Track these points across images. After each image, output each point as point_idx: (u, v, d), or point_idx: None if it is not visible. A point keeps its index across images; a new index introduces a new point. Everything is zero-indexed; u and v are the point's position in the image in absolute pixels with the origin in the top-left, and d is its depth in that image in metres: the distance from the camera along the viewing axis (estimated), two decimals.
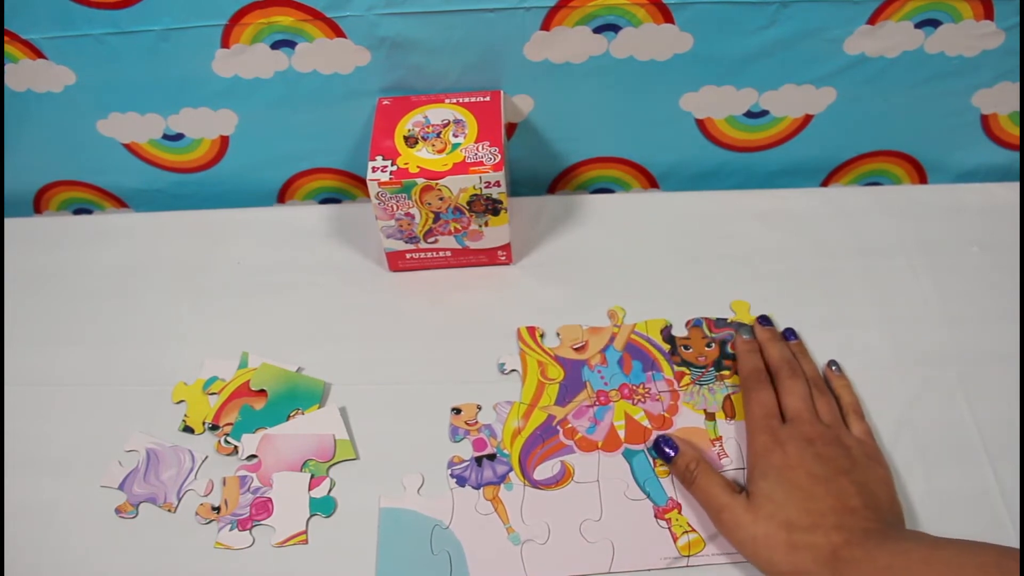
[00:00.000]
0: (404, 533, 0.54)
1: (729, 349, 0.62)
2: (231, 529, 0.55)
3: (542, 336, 0.64)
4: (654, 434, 0.57)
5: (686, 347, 0.62)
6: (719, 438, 0.57)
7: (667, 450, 0.56)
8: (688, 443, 0.56)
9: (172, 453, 0.59)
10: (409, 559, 0.53)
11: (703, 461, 0.54)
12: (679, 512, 0.54)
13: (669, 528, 0.53)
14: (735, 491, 0.52)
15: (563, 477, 0.56)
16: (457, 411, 0.60)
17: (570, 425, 0.58)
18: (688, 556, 0.52)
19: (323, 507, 0.56)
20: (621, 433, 0.58)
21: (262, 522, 0.55)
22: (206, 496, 0.57)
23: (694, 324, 0.63)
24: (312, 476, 0.57)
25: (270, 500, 0.56)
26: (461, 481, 0.56)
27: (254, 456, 0.58)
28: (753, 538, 0.49)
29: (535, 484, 0.56)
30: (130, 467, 0.58)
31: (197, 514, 0.55)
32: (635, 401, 0.59)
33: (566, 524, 0.54)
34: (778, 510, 0.49)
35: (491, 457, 0.57)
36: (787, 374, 0.57)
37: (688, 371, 0.61)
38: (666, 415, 0.59)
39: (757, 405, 0.56)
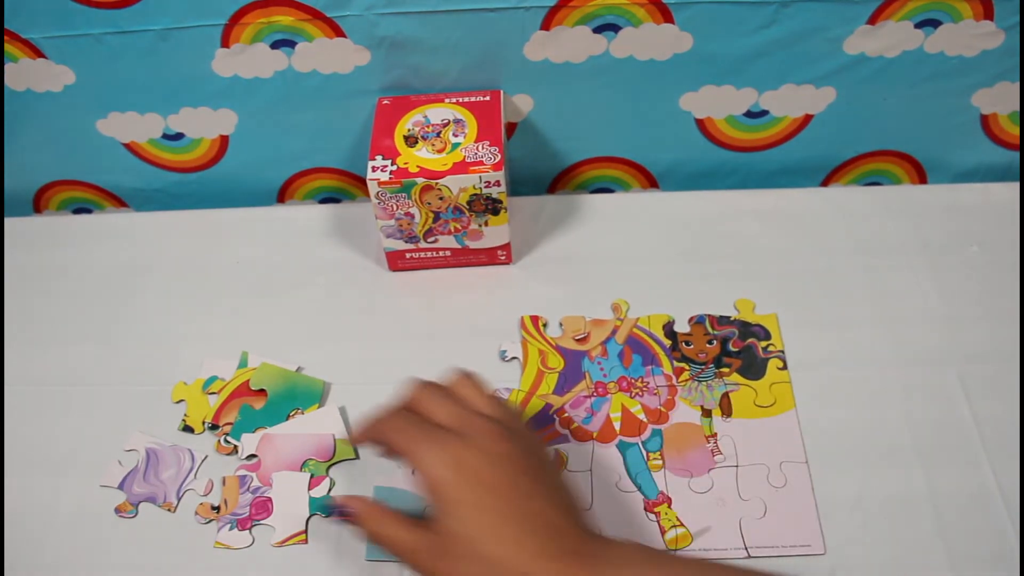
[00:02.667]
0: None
1: (730, 347, 0.62)
2: (231, 528, 0.55)
3: (545, 326, 0.64)
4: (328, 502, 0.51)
5: (687, 343, 0.62)
6: (714, 435, 0.57)
7: (339, 512, 0.48)
8: (362, 503, 0.48)
9: (172, 453, 0.59)
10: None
11: (384, 514, 0.46)
12: (669, 506, 0.54)
13: (658, 521, 0.54)
14: (423, 534, 0.44)
15: (556, 465, 0.56)
16: None
17: (567, 414, 0.59)
18: (675, 550, 0.52)
19: (323, 507, 0.56)
20: (616, 425, 0.58)
21: (262, 521, 0.55)
22: (206, 496, 0.57)
23: (697, 320, 0.63)
24: (312, 476, 0.57)
25: (270, 500, 0.56)
26: None
27: (254, 456, 0.58)
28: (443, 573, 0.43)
29: None
30: (130, 467, 0.58)
31: (197, 513, 0.56)
32: (633, 394, 0.60)
33: None
34: (470, 548, 0.42)
35: None
36: (415, 393, 0.49)
37: (688, 367, 0.61)
38: (662, 409, 0.59)
39: (399, 432, 0.46)
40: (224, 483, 0.57)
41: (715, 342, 0.62)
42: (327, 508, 0.54)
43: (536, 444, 0.47)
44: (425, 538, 0.44)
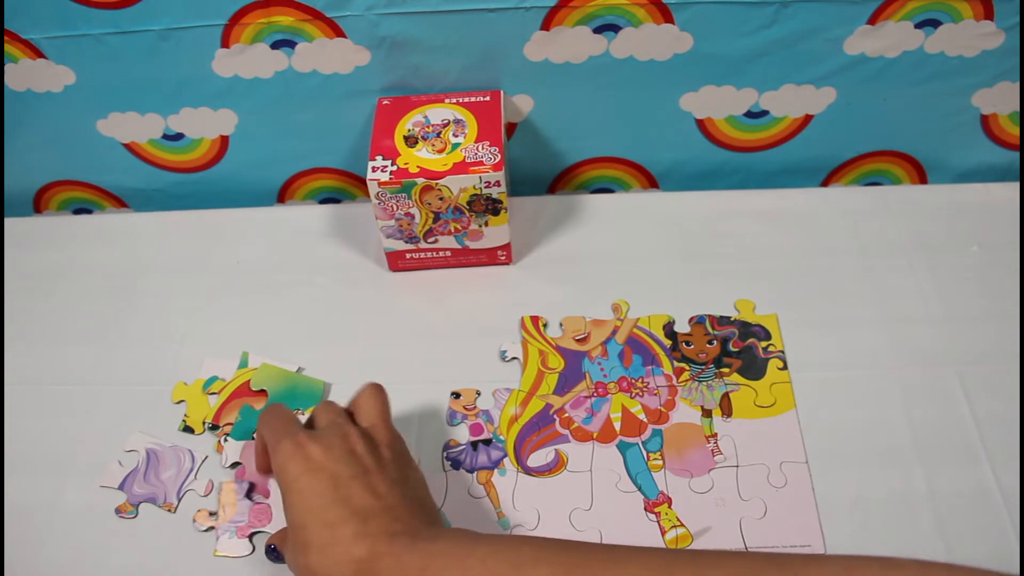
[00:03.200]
0: None
1: (731, 347, 0.62)
2: (230, 537, 0.55)
3: (545, 326, 0.64)
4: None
5: (687, 343, 0.62)
6: (714, 435, 0.57)
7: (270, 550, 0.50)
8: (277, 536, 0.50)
9: (172, 453, 0.59)
10: None
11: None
12: (669, 506, 0.54)
13: (658, 522, 0.54)
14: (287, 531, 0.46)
15: (556, 465, 0.56)
16: (456, 395, 0.60)
17: (567, 415, 0.59)
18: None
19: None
20: (617, 425, 0.58)
21: (262, 529, 0.55)
22: (206, 496, 0.57)
23: (697, 321, 0.63)
24: None
25: (269, 507, 0.56)
26: (456, 464, 0.57)
27: (238, 463, 0.58)
28: (293, 560, 0.44)
29: (528, 471, 0.56)
30: (130, 467, 0.58)
31: (195, 520, 0.55)
32: (633, 395, 0.60)
33: (556, 512, 0.54)
34: (298, 535, 0.43)
35: (487, 442, 0.58)
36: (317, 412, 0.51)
37: (688, 367, 0.61)
38: (663, 410, 0.59)
39: (266, 424, 0.49)
40: (221, 490, 0.57)
41: (715, 342, 0.62)
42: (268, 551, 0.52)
43: (396, 456, 0.48)
44: (285, 534, 0.46)
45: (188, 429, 0.60)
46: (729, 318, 0.63)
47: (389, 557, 0.42)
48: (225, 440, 0.59)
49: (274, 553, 0.50)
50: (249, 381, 0.62)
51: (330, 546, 0.42)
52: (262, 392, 0.61)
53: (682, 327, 0.63)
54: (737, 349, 0.62)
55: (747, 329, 0.63)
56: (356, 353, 0.63)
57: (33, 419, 0.61)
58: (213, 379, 0.62)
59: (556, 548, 0.42)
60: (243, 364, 0.63)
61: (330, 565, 0.42)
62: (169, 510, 0.56)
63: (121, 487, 0.57)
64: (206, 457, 0.59)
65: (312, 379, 0.62)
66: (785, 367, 0.60)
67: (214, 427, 0.60)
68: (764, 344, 0.62)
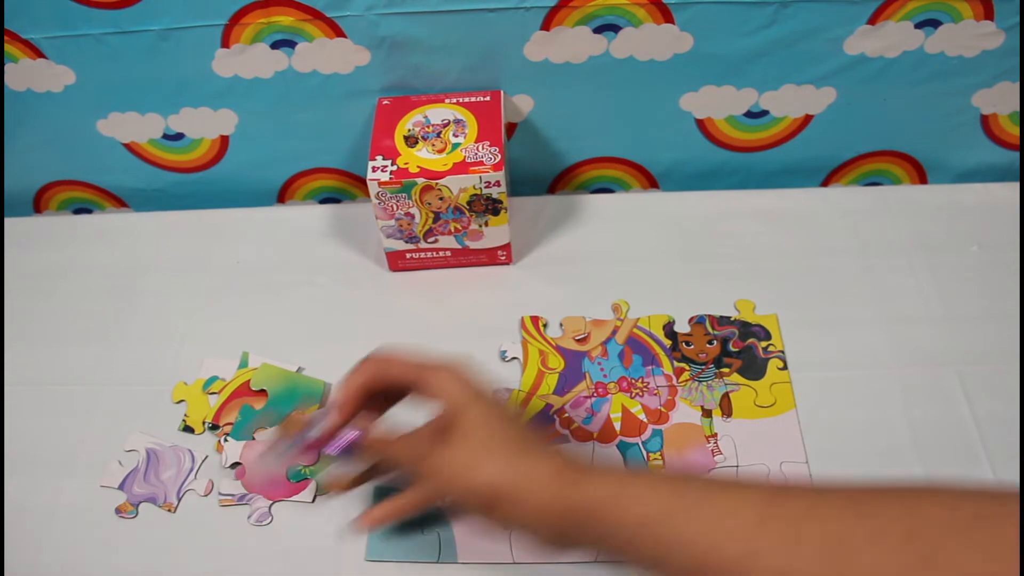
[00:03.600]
0: None
1: (731, 347, 0.62)
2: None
3: (545, 326, 0.64)
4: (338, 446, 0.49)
5: (687, 343, 0.62)
6: (714, 435, 0.57)
7: (348, 445, 0.49)
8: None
9: (172, 453, 0.59)
10: (400, 537, 0.54)
11: (383, 435, 0.49)
12: None
13: None
14: (429, 438, 0.46)
15: None
16: None
17: (567, 415, 0.59)
18: None
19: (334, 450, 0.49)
20: (617, 425, 0.58)
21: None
22: (206, 496, 0.57)
23: (697, 321, 0.63)
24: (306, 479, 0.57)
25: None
26: None
27: (238, 463, 0.58)
28: (463, 469, 0.43)
29: None
30: (130, 467, 0.58)
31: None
32: (633, 395, 0.60)
33: None
34: (486, 435, 0.44)
35: None
36: None
37: (688, 367, 0.61)
38: (663, 410, 0.59)
39: (403, 354, 0.49)
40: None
41: (715, 342, 0.62)
42: (335, 450, 0.49)
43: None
44: (436, 444, 0.45)
45: (188, 429, 0.60)
46: (729, 318, 0.63)
47: (590, 468, 0.42)
48: (225, 440, 0.59)
49: (348, 450, 0.48)
50: (249, 381, 0.62)
51: (534, 446, 0.43)
52: (262, 392, 0.61)
53: (682, 327, 0.63)
54: (737, 349, 0.62)
55: (747, 329, 0.63)
56: (356, 353, 0.63)
57: (33, 419, 0.61)
58: (213, 379, 0.62)
59: (718, 482, 0.41)
60: (243, 364, 0.63)
61: (532, 462, 0.42)
62: (169, 510, 0.56)
63: (121, 487, 0.57)
64: (206, 457, 0.59)
65: (312, 379, 0.62)
66: (785, 367, 0.60)
67: (214, 427, 0.60)
68: (764, 344, 0.62)
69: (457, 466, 0.44)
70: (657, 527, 0.38)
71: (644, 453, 0.57)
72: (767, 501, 0.37)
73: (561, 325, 0.64)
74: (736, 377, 0.60)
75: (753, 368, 0.61)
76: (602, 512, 0.40)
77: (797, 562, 0.35)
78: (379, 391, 0.49)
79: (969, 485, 0.35)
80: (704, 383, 0.60)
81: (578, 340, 0.63)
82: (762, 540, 0.36)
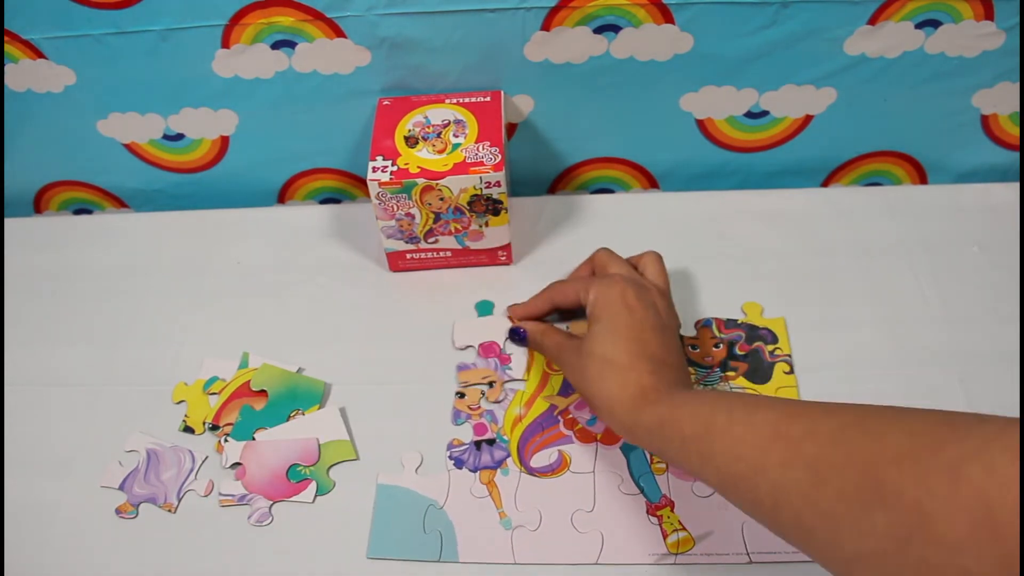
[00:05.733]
0: (399, 510, 0.55)
1: (737, 351, 0.61)
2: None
3: None
4: (509, 329, 0.62)
5: (693, 346, 0.62)
6: None
7: (519, 332, 0.62)
8: (532, 323, 0.62)
9: (172, 453, 0.59)
10: (401, 535, 0.54)
11: (548, 326, 0.61)
12: (671, 510, 0.54)
13: (660, 525, 0.53)
14: (572, 339, 0.57)
15: (559, 466, 0.56)
16: (461, 395, 0.60)
17: (571, 416, 0.59)
18: (676, 554, 0.52)
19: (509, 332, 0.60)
20: None
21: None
22: (206, 496, 0.57)
23: (703, 324, 0.63)
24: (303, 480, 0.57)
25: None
26: (459, 463, 0.57)
27: (238, 463, 0.58)
28: (575, 369, 0.54)
29: (531, 471, 0.56)
30: (130, 467, 0.58)
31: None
32: None
33: (558, 513, 0.54)
34: (601, 348, 0.53)
35: (490, 442, 0.58)
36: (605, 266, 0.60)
37: (694, 370, 0.61)
38: None
39: (596, 268, 0.61)
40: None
41: (721, 345, 0.62)
42: (511, 333, 0.62)
43: (673, 318, 0.57)
44: (574, 341, 0.56)
45: (188, 429, 0.60)
46: (736, 321, 0.63)
47: (665, 393, 0.50)
48: (225, 440, 0.59)
49: (519, 336, 0.61)
50: (249, 381, 0.62)
51: (626, 369, 0.51)
52: (262, 392, 0.61)
53: (688, 330, 0.63)
54: (743, 352, 0.61)
55: (754, 332, 0.62)
56: (356, 353, 0.63)
57: (33, 419, 0.61)
58: (213, 379, 0.62)
59: (782, 400, 0.46)
60: (243, 364, 0.63)
61: (619, 382, 0.51)
62: (169, 510, 0.56)
63: (121, 487, 0.57)
64: (206, 457, 0.59)
65: (312, 379, 0.62)
66: (792, 371, 0.60)
67: (214, 427, 0.60)
68: (771, 348, 0.62)
69: (572, 365, 0.55)
70: (695, 444, 0.46)
71: (647, 455, 0.57)
72: (777, 423, 0.42)
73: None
74: (742, 381, 0.60)
75: (760, 372, 0.60)
76: (660, 430, 0.48)
77: (791, 479, 0.40)
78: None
79: (946, 414, 0.39)
80: (710, 387, 0.60)
81: None
82: (768, 458, 0.41)
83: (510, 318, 0.63)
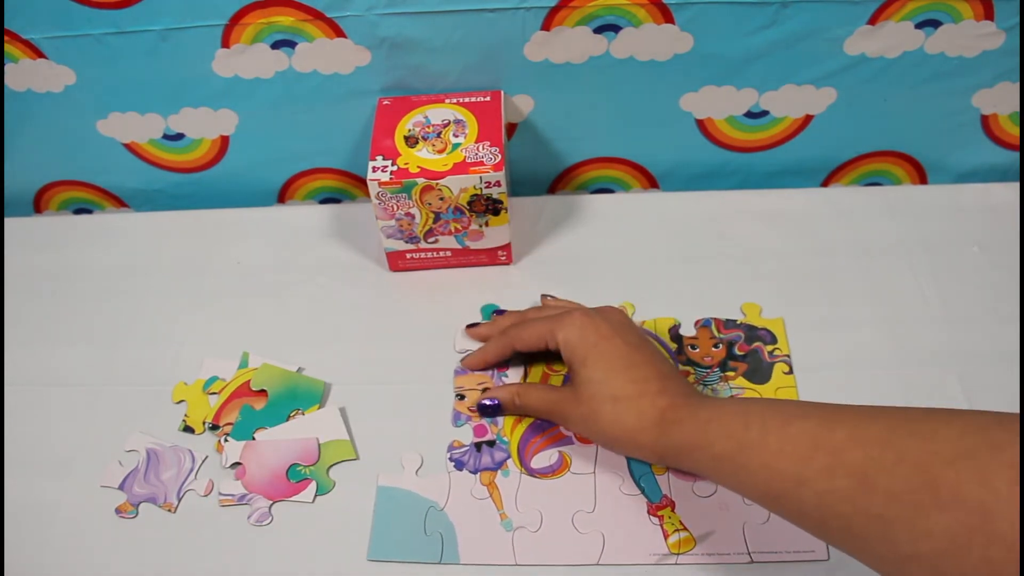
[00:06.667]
0: (399, 512, 0.55)
1: (736, 351, 0.62)
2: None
3: None
4: (477, 405, 0.59)
5: (693, 346, 0.62)
6: None
7: (489, 404, 0.58)
8: (501, 387, 0.59)
9: (172, 453, 0.59)
10: (402, 538, 0.54)
11: (521, 386, 0.58)
12: (672, 510, 0.54)
13: (661, 525, 0.53)
14: (561, 390, 0.56)
15: (560, 467, 0.56)
16: (461, 397, 0.60)
17: None
18: (678, 554, 0.52)
19: (478, 407, 0.58)
20: None
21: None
22: (206, 496, 0.57)
23: (703, 324, 0.63)
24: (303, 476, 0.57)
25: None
26: (459, 465, 0.57)
27: (238, 463, 0.58)
28: (583, 418, 0.53)
29: (532, 472, 0.56)
30: (130, 467, 0.58)
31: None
32: None
33: (559, 514, 0.54)
34: (604, 388, 0.52)
35: (490, 444, 0.58)
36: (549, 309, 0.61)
37: (693, 371, 0.61)
38: None
39: (529, 314, 0.60)
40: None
41: (721, 346, 0.62)
42: (480, 409, 0.59)
43: (632, 325, 0.56)
44: (564, 392, 0.55)
45: (188, 429, 0.60)
46: (735, 321, 0.63)
47: (686, 408, 0.49)
48: (225, 440, 0.59)
49: (489, 408, 0.58)
50: (249, 381, 0.62)
51: (637, 397, 0.51)
52: (262, 392, 0.61)
53: (687, 330, 0.63)
54: (743, 353, 0.61)
55: (753, 333, 0.62)
56: (356, 353, 0.63)
57: (33, 419, 0.61)
58: (213, 379, 0.62)
59: (814, 406, 0.45)
60: (243, 364, 0.63)
61: (636, 413, 0.50)
62: (169, 510, 0.56)
63: (121, 487, 0.57)
64: (206, 457, 0.59)
65: (312, 379, 0.62)
66: (791, 371, 0.60)
67: (214, 427, 0.60)
68: (770, 348, 0.62)
69: (576, 416, 0.53)
70: (730, 462, 0.46)
71: None
72: (815, 432, 0.42)
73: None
74: (741, 381, 0.60)
75: (759, 372, 0.60)
76: (689, 452, 0.48)
77: (837, 487, 0.40)
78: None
79: (995, 414, 0.39)
80: (709, 387, 0.60)
81: None
82: (809, 469, 0.41)
83: (468, 374, 0.61)
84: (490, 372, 0.61)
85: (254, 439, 0.59)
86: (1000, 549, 0.34)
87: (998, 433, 0.36)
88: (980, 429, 0.37)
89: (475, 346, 0.63)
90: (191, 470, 0.58)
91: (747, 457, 0.44)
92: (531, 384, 0.59)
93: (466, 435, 0.58)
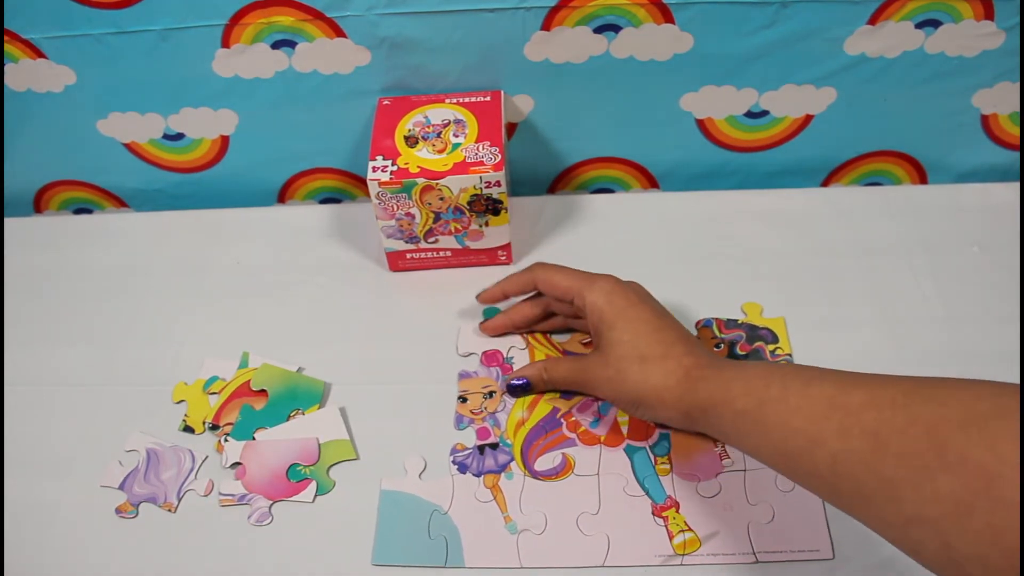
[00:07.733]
0: (403, 516, 0.55)
1: (738, 351, 0.61)
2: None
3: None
4: (504, 384, 0.60)
5: None
6: None
7: (518, 384, 0.59)
8: (527, 366, 0.60)
9: (172, 453, 0.59)
10: (406, 541, 0.54)
11: (547, 361, 0.59)
12: (676, 511, 0.54)
13: (666, 526, 0.53)
14: (586, 357, 0.57)
15: (563, 469, 0.56)
16: (463, 399, 0.60)
17: (574, 418, 0.59)
18: (683, 555, 0.52)
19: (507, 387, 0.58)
20: (624, 429, 0.58)
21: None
22: (206, 496, 0.57)
23: (704, 324, 0.63)
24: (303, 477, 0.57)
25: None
26: (462, 468, 0.57)
27: (238, 463, 0.58)
28: (609, 380, 0.53)
29: (535, 475, 0.56)
30: (130, 467, 0.58)
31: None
32: None
33: (563, 516, 0.54)
34: (633, 349, 0.53)
35: (493, 446, 0.58)
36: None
37: None
38: None
39: (555, 269, 0.59)
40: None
41: (722, 346, 0.62)
42: (509, 388, 0.59)
43: (655, 298, 0.57)
44: (591, 358, 0.56)
45: (188, 429, 0.60)
46: (736, 321, 0.63)
47: (711, 368, 0.51)
48: (225, 440, 0.59)
49: (519, 387, 0.59)
50: (249, 381, 0.62)
51: (664, 358, 0.52)
52: (262, 392, 0.61)
53: (689, 330, 0.63)
54: (745, 352, 0.61)
55: (754, 332, 0.62)
56: (356, 353, 0.63)
57: (33, 419, 0.61)
58: (213, 379, 0.62)
59: (834, 372, 0.46)
60: (243, 364, 0.63)
61: (662, 372, 0.51)
62: (169, 510, 0.56)
63: (121, 487, 0.57)
64: (206, 457, 0.59)
65: (312, 379, 0.62)
66: None
67: (214, 427, 0.60)
68: (771, 348, 0.61)
69: (603, 379, 0.54)
70: (749, 418, 0.46)
71: (651, 457, 0.56)
72: (833, 394, 0.43)
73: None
74: None
75: None
76: (712, 408, 0.49)
77: (850, 448, 0.40)
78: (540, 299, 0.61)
79: (1010, 385, 0.38)
80: None
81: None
82: (826, 429, 0.42)
83: (471, 377, 0.61)
84: (495, 375, 0.61)
85: (254, 439, 0.59)
86: (1004, 514, 0.34)
87: (1010, 401, 0.36)
88: (992, 396, 0.37)
89: (478, 347, 0.63)
90: (191, 470, 0.58)
91: (765, 414, 0.45)
92: (556, 358, 0.60)
93: (469, 438, 0.58)
